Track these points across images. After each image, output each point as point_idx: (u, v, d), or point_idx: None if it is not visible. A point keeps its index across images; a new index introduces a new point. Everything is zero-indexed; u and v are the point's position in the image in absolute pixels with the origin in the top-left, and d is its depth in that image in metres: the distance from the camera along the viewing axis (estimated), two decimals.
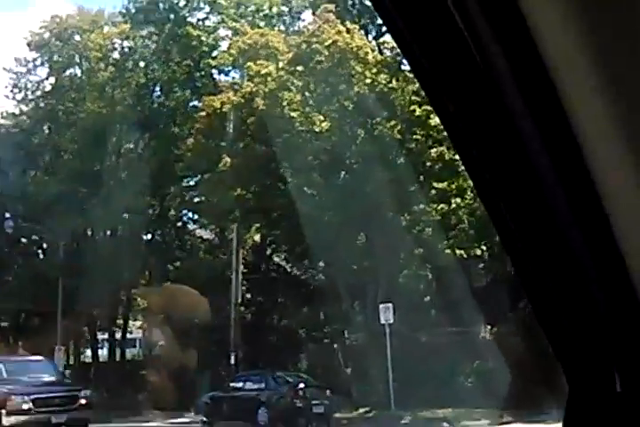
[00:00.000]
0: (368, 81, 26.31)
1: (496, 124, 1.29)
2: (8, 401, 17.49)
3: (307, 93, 27.21)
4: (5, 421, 16.44)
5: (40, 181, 38.21)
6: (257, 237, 34.66)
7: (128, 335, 43.56)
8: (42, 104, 40.78)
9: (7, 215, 42.89)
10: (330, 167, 26.55)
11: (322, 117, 26.61)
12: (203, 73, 38.15)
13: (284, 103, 26.77)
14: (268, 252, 35.72)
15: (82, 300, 36.75)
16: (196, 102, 36.66)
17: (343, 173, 26.80)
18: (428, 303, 27.43)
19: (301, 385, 25.78)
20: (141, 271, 39.36)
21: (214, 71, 38.27)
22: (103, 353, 44.49)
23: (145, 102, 38.17)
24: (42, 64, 41.05)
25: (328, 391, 25.72)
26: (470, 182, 23.47)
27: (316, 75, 27.06)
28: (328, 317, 33.26)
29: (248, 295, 34.57)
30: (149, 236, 40.21)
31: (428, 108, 25.32)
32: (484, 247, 26.30)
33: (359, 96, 26.17)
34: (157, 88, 39.54)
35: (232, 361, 31.13)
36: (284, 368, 28.79)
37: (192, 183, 35.64)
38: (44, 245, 44.54)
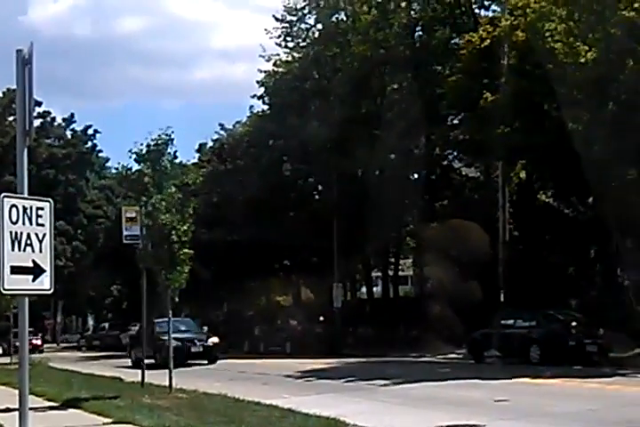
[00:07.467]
0: (637, 5, 24.60)
1: None
2: None
3: (570, 23, 25.92)
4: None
5: (312, 125, 39.49)
6: (522, 175, 33.96)
7: (400, 273, 44.70)
8: (311, 51, 41.96)
9: (284, 158, 44.95)
10: (597, 100, 25.32)
11: (587, 47, 25.33)
12: (463, 9, 37.54)
13: (547, 34, 25.72)
14: (535, 189, 34.90)
15: (355, 239, 38.09)
16: (456, 40, 36.31)
17: (610, 104, 25.45)
18: None
19: (573, 323, 25.32)
20: (409, 210, 39.99)
21: (474, 7, 37.62)
22: (377, 290, 46.01)
23: (407, 43, 38.21)
24: (309, 12, 42.21)
25: (601, 330, 25.06)
26: None
27: (580, 2, 25.72)
28: (598, 254, 32.23)
29: (515, 233, 34.16)
30: (416, 175, 40.62)
31: None
32: None
33: (627, 22, 24.56)
34: (419, 28, 39.52)
35: (501, 298, 31.09)
36: (553, 306, 28.32)
37: (456, 122, 35.39)
38: (319, 187, 46.41)
